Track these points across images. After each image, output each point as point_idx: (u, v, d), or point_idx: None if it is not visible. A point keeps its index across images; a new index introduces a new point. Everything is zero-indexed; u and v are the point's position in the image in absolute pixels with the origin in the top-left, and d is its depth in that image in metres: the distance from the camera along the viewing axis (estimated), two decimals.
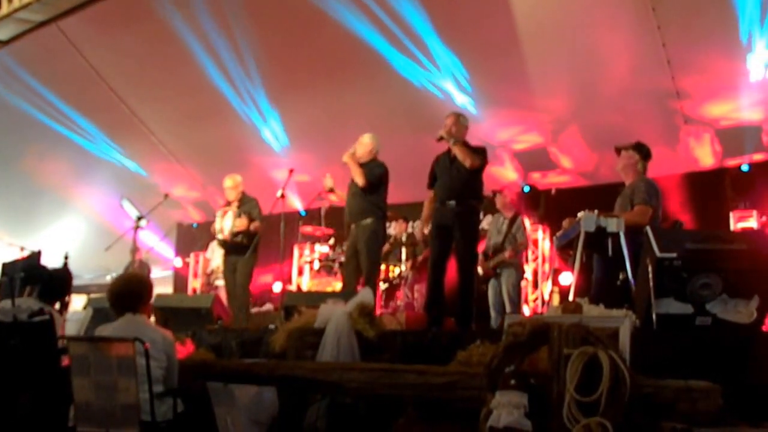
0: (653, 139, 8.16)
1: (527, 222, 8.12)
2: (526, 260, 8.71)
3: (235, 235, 6.99)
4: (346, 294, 5.05)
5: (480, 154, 5.75)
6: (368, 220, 6.17)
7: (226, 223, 7.02)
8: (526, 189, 9.58)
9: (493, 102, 8.65)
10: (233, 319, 6.62)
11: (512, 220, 7.28)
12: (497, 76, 8.37)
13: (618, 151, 5.32)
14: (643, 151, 5.24)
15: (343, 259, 7.51)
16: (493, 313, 7.21)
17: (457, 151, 5.67)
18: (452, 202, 5.72)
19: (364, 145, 6.37)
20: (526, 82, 8.12)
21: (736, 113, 7.81)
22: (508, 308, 7.11)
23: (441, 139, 5.77)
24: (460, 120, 5.87)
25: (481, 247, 7.55)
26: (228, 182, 7.23)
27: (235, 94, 9.55)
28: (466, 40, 8.17)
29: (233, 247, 7.08)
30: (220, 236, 7.09)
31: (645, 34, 7.22)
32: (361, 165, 6.25)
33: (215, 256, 9.41)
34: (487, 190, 7.88)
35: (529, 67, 7.96)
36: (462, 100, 8.76)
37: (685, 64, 7.46)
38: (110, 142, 11.25)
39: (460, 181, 5.73)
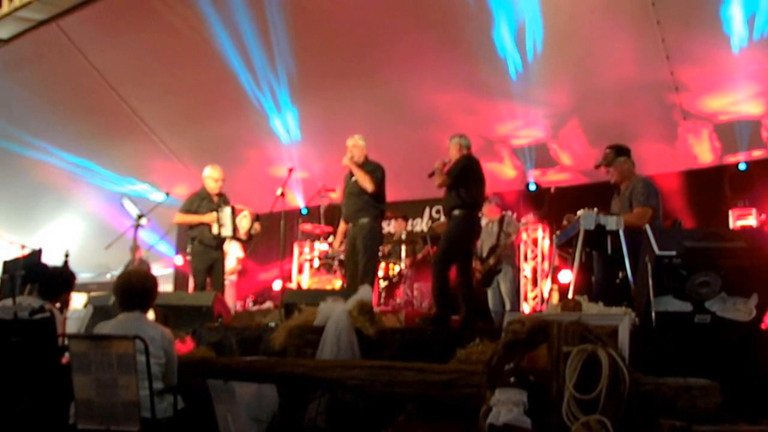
0: (652, 136, 8.23)
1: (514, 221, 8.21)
2: (525, 258, 8.74)
3: (251, 237, 6.98)
4: (346, 292, 5.06)
5: (452, 173, 5.85)
6: (365, 219, 6.25)
7: (244, 223, 6.92)
8: (533, 187, 9.51)
9: (491, 94, 8.64)
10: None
11: (501, 220, 7.49)
12: (497, 68, 8.36)
13: (608, 165, 5.34)
14: (625, 152, 5.27)
15: (342, 257, 7.53)
16: (494, 317, 7.26)
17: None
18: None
19: (360, 147, 6.41)
20: (526, 75, 8.13)
21: (734, 106, 7.81)
22: (507, 306, 7.15)
23: (431, 175, 5.92)
24: (452, 141, 6.00)
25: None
26: (217, 173, 7.02)
27: (247, 84, 9.44)
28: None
29: (219, 245, 6.99)
30: (230, 233, 6.88)
31: (644, 29, 7.23)
32: (360, 166, 6.32)
33: None
34: (486, 189, 7.86)
35: (529, 61, 7.99)
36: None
37: (685, 59, 7.47)
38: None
39: (445, 198, 5.92)
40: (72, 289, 4.65)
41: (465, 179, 5.79)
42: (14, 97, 10.43)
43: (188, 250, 7.17)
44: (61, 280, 4.60)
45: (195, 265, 7.05)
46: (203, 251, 6.93)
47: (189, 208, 7.01)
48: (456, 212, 5.78)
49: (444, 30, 8.05)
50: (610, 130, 7.85)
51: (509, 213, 8.34)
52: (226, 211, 6.90)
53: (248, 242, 7.06)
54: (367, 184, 6.21)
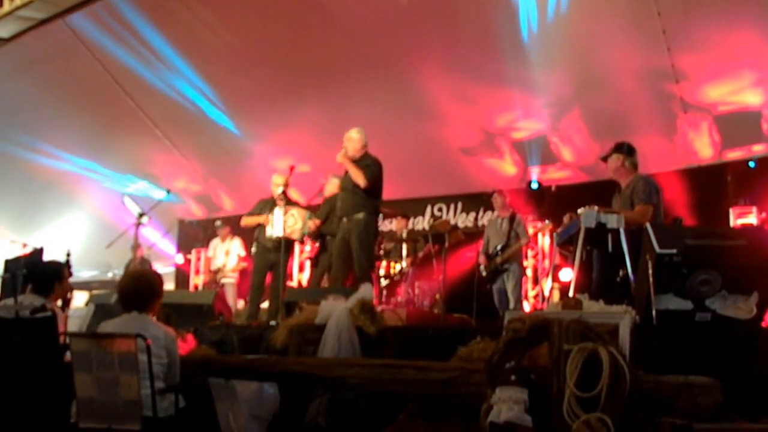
0: (652, 131, 8.22)
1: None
2: (525, 257, 8.73)
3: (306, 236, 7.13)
4: (347, 290, 5.06)
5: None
6: (361, 215, 6.20)
7: (290, 222, 6.93)
8: (535, 185, 9.47)
9: (490, 82, 8.63)
10: (275, 314, 6.67)
11: (511, 219, 7.39)
12: (496, 59, 8.35)
13: (604, 159, 5.35)
14: (624, 149, 5.25)
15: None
16: (501, 313, 7.25)
17: None
18: None
19: (354, 141, 6.32)
20: (526, 68, 8.13)
21: (735, 95, 7.78)
22: (512, 304, 7.14)
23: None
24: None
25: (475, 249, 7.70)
26: (281, 179, 7.11)
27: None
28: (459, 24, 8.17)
29: (276, 247, 6.98)
30: (280, 233, 6.89)
31: (644, 21, 7.22)
32: (356, 162, 6.24)
33: (218, 254, 9.43)
34: (487, 186, 7.92)
35: (529, 54, 8.00)
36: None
37: (685, 51, 7.46)
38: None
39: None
40: (62, 277, 4.50)
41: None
42: (17, 95, 10.44)
43: (252, 251, 7.41)
44: (49, 272, 4.50)
45: (254, 265, 7.30)
46: (262, 252, 7.14)
47: (254, 210, 7.22)
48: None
49: (444, 19, 8.05)
50: (611, 125, 7.85)
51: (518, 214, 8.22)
52: (276, 212, 6.95)
53: (303, 242, 7.13)
54: (360, 180, 6.15)
